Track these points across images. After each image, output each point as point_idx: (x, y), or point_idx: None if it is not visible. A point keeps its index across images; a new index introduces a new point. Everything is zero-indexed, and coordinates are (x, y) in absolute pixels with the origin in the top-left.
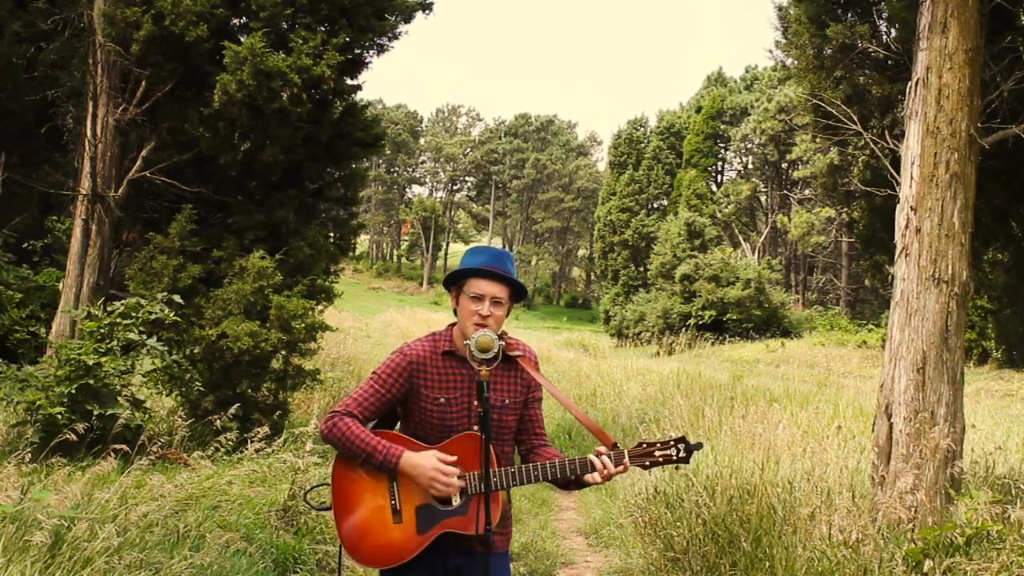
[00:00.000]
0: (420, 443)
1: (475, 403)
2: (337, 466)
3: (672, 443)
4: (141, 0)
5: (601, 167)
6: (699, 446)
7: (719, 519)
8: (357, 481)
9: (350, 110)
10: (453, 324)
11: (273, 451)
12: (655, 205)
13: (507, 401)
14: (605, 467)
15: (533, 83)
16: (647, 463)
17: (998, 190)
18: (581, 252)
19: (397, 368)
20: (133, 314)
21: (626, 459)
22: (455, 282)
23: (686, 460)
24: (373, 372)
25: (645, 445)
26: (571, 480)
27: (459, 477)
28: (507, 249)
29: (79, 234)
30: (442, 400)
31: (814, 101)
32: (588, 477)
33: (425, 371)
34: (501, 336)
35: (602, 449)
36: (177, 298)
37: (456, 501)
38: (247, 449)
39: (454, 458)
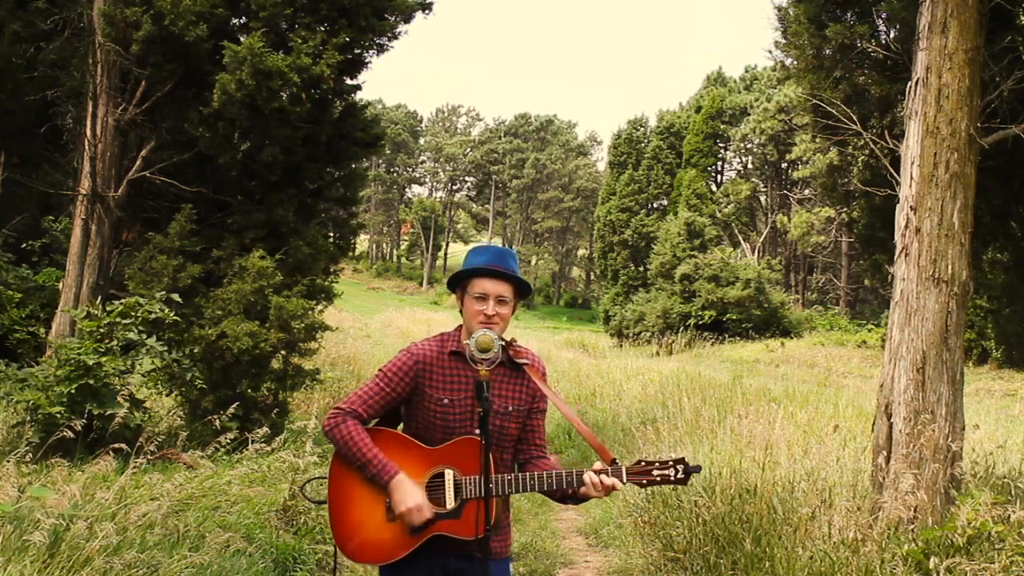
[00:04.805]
0: (421, 444)
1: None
2: (335, 462)
3: (671, 463)
4: (141, 0)
5: (601, 167)
6: (697, 468)
7: (719, 519)
8: (354, 478)
9: (350, 110)
10: (461, 326)
11: (273, 451)
12: (655, 205)
13: (511, 408)
14: (600, 483)
15: (533, 83)
16: (644, 481)
17: (998, 190)
18: (581, 252)
19: (403, 367)
20: (132, 313)
21: (624, 476)
22: (459, 283)
23: (684, 482)
24: (379, 370)
25: (644, 463)
26: (567, 494)
27: (456, 481)
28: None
29: (79, 234)
30: (446, 401)
31: (814, 101)
32: (584, 490)
33: (431, 371)
34: (510, 343)
35: (599, 466)
36: (176, 297)
37: (451, 504)
38: (247, 449)
39: (431, 513)
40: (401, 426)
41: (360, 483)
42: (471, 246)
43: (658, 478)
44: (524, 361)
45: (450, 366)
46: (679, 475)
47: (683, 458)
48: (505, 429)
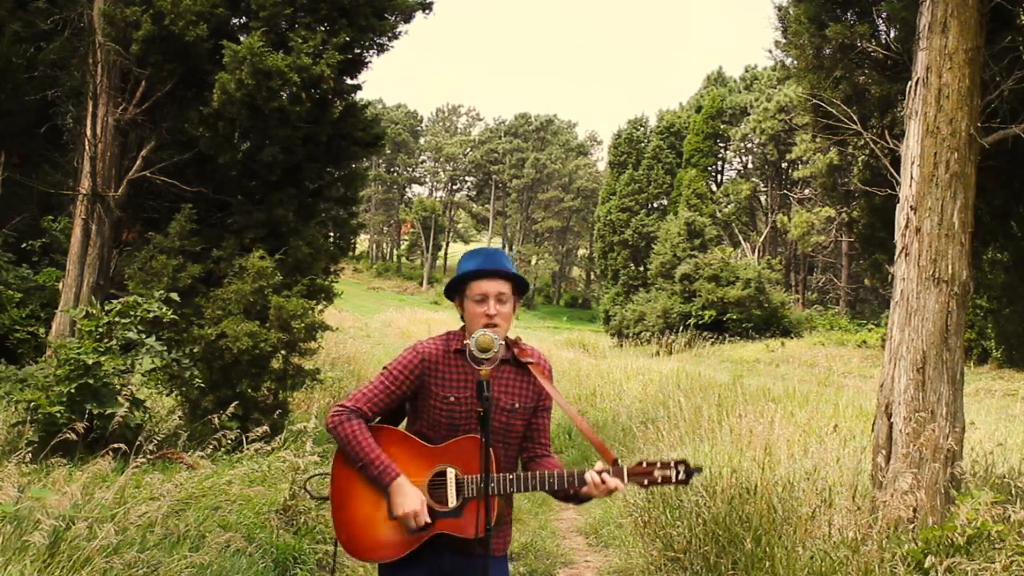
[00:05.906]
0: (424, 442)
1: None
2: (338, 458)
3: (673, 464)
4: (141, 0)
5: (601, 167)
6: (699, 470)
7: (719, 519)
8: (357, 475)
9: (350, 110)
10: (465, 326)
11: (273, 450)
12: (655, 205)
13: (516, 405)
14: (601, 483)
15: (533, 83)
16: (645, 482)
17: (998, 190)
18: (581, 252)
19: (409, 365)
20: (131, 312)
21: (625, 476)
22: (456, 289)
23: (685, 482)
24: (384, 367)
25: (645, 464)
26: (569, 494)
27: (457, 480)
28: (505, 248)
29: (79, 234)
30: (451, 399)
31: (814, 101)
32: (586, 490)
33: (437, 369)
34: (515, 342)
35: (601, 466)
36: (175, 296)
37: (452, 503)
38: (247, 449)
39: (428, 519)
40: (404, 423)
41: (362, 481)
42: (464, 252)
43: (659, 478)
44: (529, 360)
45: (455, 364)
46: (680, 476)
47: (685, 459)
48: (511, 426)
